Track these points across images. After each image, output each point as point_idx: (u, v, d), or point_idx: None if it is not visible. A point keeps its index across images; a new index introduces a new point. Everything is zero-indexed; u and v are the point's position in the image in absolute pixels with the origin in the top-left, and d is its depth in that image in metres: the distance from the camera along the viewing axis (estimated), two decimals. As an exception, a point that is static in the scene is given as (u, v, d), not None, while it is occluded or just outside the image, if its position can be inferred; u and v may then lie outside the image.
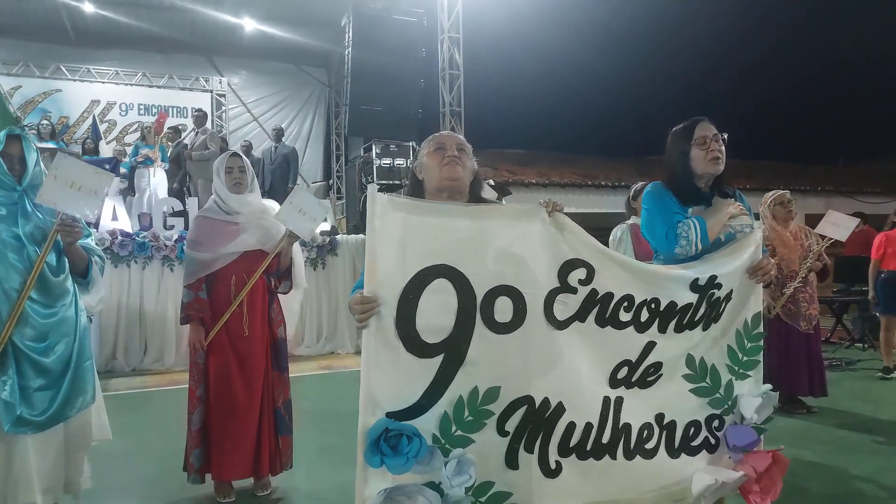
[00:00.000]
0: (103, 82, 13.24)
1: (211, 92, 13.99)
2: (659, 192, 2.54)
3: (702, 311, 2.20)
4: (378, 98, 9.08)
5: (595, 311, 2.05)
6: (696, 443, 2.24)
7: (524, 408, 1.94)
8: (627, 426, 2.12)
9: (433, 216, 1.86)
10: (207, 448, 3.07)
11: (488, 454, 1.90)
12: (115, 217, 7.82)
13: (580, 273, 2.02)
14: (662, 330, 2.15)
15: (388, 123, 9.18)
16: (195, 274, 3.10)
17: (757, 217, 4.68)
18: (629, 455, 2.11)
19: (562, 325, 2.00)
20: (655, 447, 2.17)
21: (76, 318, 2.65)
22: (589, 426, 2.04)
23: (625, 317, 2.09)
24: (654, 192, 2.55)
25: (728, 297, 2.26)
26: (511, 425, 1.93)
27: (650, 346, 2.14)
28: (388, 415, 1.76)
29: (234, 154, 3.24)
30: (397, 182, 8.99)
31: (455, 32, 9.85)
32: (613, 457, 2.08)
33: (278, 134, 10.31)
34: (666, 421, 2.19)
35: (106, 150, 11.24)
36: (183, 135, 10.05)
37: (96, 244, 7.46)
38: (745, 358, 2.31)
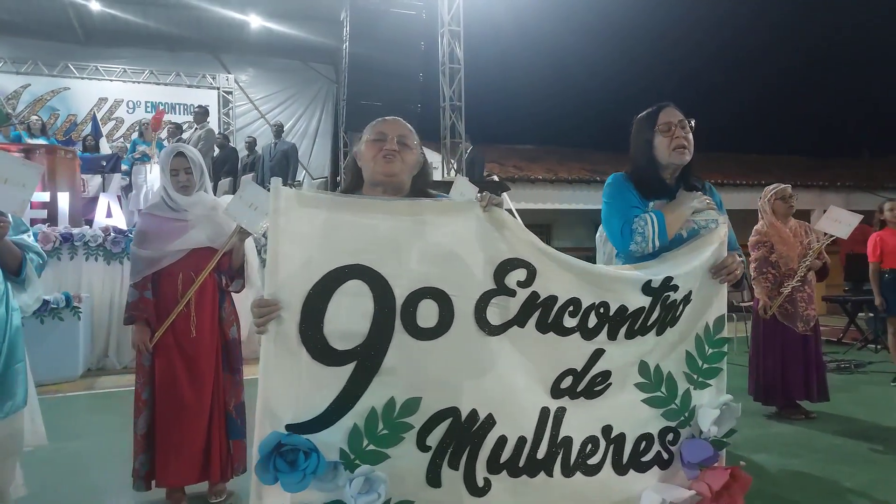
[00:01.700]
0: (111, 80, 13.31)
1: (218, 89, 14.00)
2: (619, 184, 2.35)
3: (655, 315, 2.01)
4: (377, 93, 8.95)
5: (536, 315, 1.88)
6: (646, 458, 2.05)
7: (448, 420, 1.78)
8: (568, 440, 1.94)
9: (347, 212, 1.70)
10: (153, 454, 2.95)
11: (406, 471, 1.74)
12: (109, 214, 7.80)
13: (519, 274, 1.85)
14: (612, 336, 1.97)
15: (387, 118, 9.01)
16: (140, 272, 2.98)
17: (758, 214, 4.54)
18: (568, 472, 1.94)
19: (496, 331, 1.83)
20: (600, 463, 1.99)
21: (6, 318, 2.53)
22: (522, 440, 1.87)
23: (570, 322, 1.92)
24: (614, 183, 2.36)
25: (686, 298, 2.07)
26: (433, 440, 1.77)
27: (598, 353, 1.96)
28: (289, 427, 1.61)
29: (179, 154, 3.02)
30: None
31: (455, 26, 9.67)
32: (550, 474, 1.91)
33: (278, 130, 10.22)
34: (614, 434, 2.01)
35: (107, 147, 11.24)
36: (184, 131, 9.97)
37: (90, 241, 7.38)
38: (705, 365, 2.12)
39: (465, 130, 9.78)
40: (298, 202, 1.64)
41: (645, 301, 1.99)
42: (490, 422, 1.82)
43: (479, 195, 1.84)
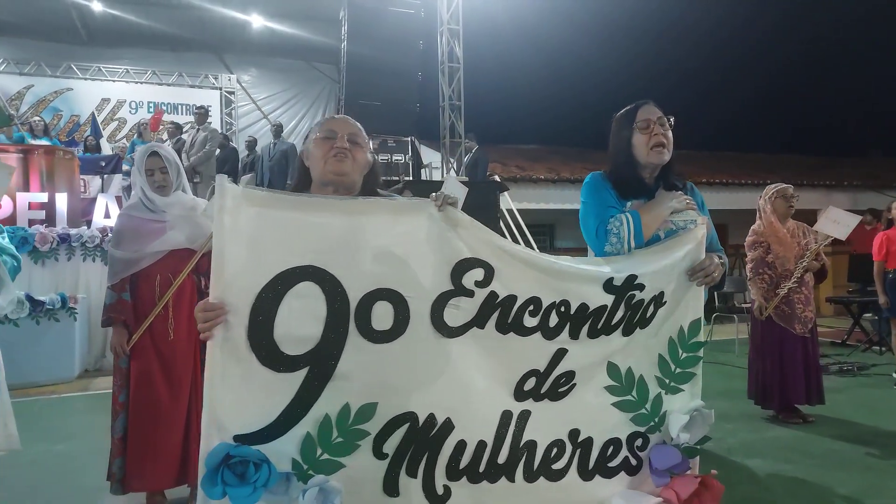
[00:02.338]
0: (113, 81, 13.35)
1: (220, 89, 14.02)
2: (596, 183, 2.29)
3: (620, 314, 1.95)
4: (375, 92, 8.89)
5: (495, 316, 1.82)
6: (613, 463, 1.99)
7: (405, 426, 1.72)
8: (531, 444, 1.88)
9: (298, 211, 1.64)
10: (130, 456, 2.90)
11: (363, 480, 1.69)
12: (107, 214, 7.78)
13: (477, 274, 1.79)
14: (574, 335, 1.91)
15: (385, 118, 8.98)
16: (118, 274, 2.94)
17: (762, 212, 4.42)
18: (531, 477, 1.88)
19: (454, 333, 1.77)
20: (565, 468, 1.93)
21: None
22: (482, 445, 1.82)
23: (530, 322, 1.86)
24: (591, 183, 2.30)
25: (658, 299, 2.00)
26: (390, 447, 1.71)
27: (561, 353, 1.90)
28: (237, 438, 1.55)
29: (153, 153, 2.96)
30: (395, 178, 8.78)
31: (455, 24, 9.61)
32: (511, 479, 1.86)
33: (277, 130, 10.19)
34: (581, 438, 1.95)
35: (108, 148, 11.26)
36: (185, 131, 9.96)
37: (87, 241, 7.37)
38: (678, 370, 2.05)
39: (464, 130, 9.72)
40: (246, 200, 1.59)
41: (607, 299, 1.92)
42: (448, 426, 1.77)
43: (434, 194, 1.78)
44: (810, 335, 4.46)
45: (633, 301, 1.96)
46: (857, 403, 5.04)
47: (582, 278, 1.92)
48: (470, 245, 1.79)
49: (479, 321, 1.80)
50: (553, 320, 1.88)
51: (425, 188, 4.38)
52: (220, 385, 1.55)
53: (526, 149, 15.20)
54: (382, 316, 1.68)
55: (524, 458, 1.88)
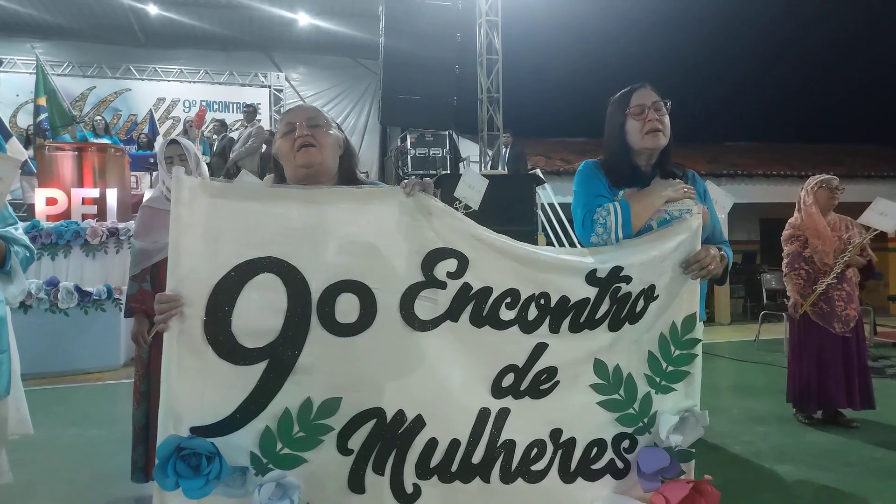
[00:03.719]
0: (168, 81, 13.82)
1: (269, 87, 14.31)
2: (587, 171, 2.19)
3: (604, 308, 1.85)
4: (412, 86, 8.87)
5: (469, 308, 1.75)
6: (598, 466, 1.89)
7: (372, 422, 1.68)
8: (509, 443, 1.81)
9: (257, 201, 1.62)
10: (151, 445, 2.97)
11: (326, 476, 1.66)
12: (151, 210, 8.03)
13: (449, 264, 1.73)
14: (554, 329, 1.83)
15: (422, 112, 8.95)
16: (139, 264, 3.01)
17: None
18: (508, 478, 1.81)
19: (426, 326, 1.72)
20: (545, 469, 1.85)
21: None
22: (455, 443, 1.76)
23: (507, 315, 1.78)
24: (584, 171, 2.20)
25: (648, 293, 1.89)
26: (356, 442, 1.67)
27: (540, 348, 1.82)
28: (194, 430, 1.54)
29: (172, 142, 3.08)
30: (433, 172, 8.75)
31: (493, 16, 9.49)
32: (486, 479, 1.79)
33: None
34: (564, 438, 1.86)
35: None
36: (229, 127, 10.20)
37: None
38: (669, 368, 1.93)
39: (503, 123, 9.61)
40: (203, 191, 1.57)
41: (590, 292, 1.83)
42: (419, 423, 1.72)
43: (404, 181, 1.73)
44: (853, 335, 4.18)
45: (620, 294, 1.86)
46: (913, 408, 4.71)
47: (563, 269, 1.84)
48: (442, 234, 1.73)
49: (452, 314, 1.74)
50: (532, 313, 1.81)
51: (457, 182, 4.33)
52: (177, 377, 1.55)
53: (571, 141, 14.91)
54: (347, 308, 1.65)
55: (501, 458, 1.81)
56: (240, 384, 1.58)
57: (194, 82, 13.93)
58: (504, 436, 1.81)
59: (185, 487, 1.49)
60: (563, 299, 1.82)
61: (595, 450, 1.89)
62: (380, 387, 1.69)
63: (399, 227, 1.70)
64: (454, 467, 1.76)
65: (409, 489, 1.72)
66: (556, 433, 1.86)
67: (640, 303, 1.90)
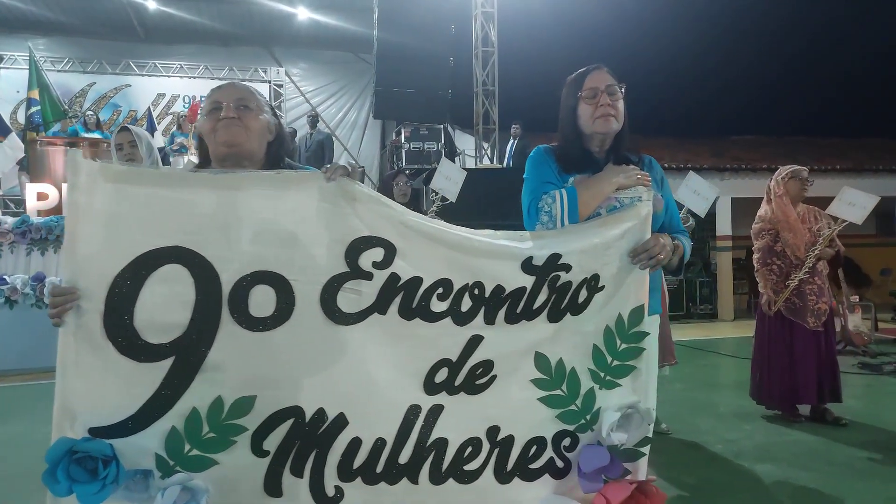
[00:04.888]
0: (168, 76, 13.80)
1: (269, 82, 14.24)
2: (537, 157, 2.09)
3: (543, 297, 1.76)
4: (406, 79, 8.76)
5: (398, 300, 1.66)
6: (536, 465, 1.80)
7: (290, 421, 1.59)
8: (441, 442, 1.72)
9: (163, 187, 1.53)
10: None
11: (239, 478, 1.57)
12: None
13: (375, 254, 1.64)
14: (489, 320, 1.73)
15: (417, 105, 8.85)
16: None
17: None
18: (437, 479, 1.72)
19: (351, 320, 1.63)
20: (479, 469, 1.75)
21: None
22: (380, 443, 1.66)
23: (439, 306, 1.69)
24: (533, 156, 2.11)
25: (591, 283, 1.79)
26: (272, 443, 1.59)
27: (475, 340, 1.72)
28: (93, 431, 1.46)
29: (123, 129, 3.08)
30: (427, 167, 8.64)
31: (489, 7, 9.36)
32: (414, 481, 1.70)
33: (313, 120, 10.24)
34: (501, 436, 1.77)
35: (161, 140, 11.62)
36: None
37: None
38: (615, 362, 1.83)
39: (506, 116, 9.48)
40: (103, 176, 1.48)
41: (526, 281, 1.74)
42: (341, 422, 1.63)
43: (327, 165, 1.64)
44: (824, 329, 4.07)
45: (559, 284, 1.77)
46: (905, 406, 4.57)
47: (497, 256, 1.74)
48: (368, 222, 1.64)
49: (379, 306, 1.65)
50: (465, 304, 1.71)
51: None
52: (73, 375, 1.46)
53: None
54: (262, 301, 1.56)
55: (431, 457, 1.71)
56: (143, 382, 1.50)
57: (194, 77, 13.89)
58: (435, 434, 1.72)
59: (79, 493, 1.41)
60: (498, 289, 1.72)
61: (534, 448, 1.79)
62: (298, 384, 1.60)
63: (319, 214, 1.60)
64: (379, 468, 1.67)
65: (331, 492, 1.64)
66: (492, 431, 1.76)
67: (583, 293, 1.80)
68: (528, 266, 1.74)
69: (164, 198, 1.52)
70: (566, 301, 1.79)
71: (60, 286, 1.45)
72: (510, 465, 1.78)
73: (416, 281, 1.67)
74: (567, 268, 1.76)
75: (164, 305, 1.50)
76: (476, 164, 9.34)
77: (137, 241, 1.49)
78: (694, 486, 3.13)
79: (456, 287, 1.70)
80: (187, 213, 1.53)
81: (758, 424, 4.12)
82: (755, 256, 4.25)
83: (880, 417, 4.21)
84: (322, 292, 1.60)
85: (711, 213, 12.14)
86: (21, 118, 12.55)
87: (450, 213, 7.14)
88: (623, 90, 2.03)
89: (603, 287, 1.82)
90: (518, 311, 1.75)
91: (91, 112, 10.62)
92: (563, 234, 1.82)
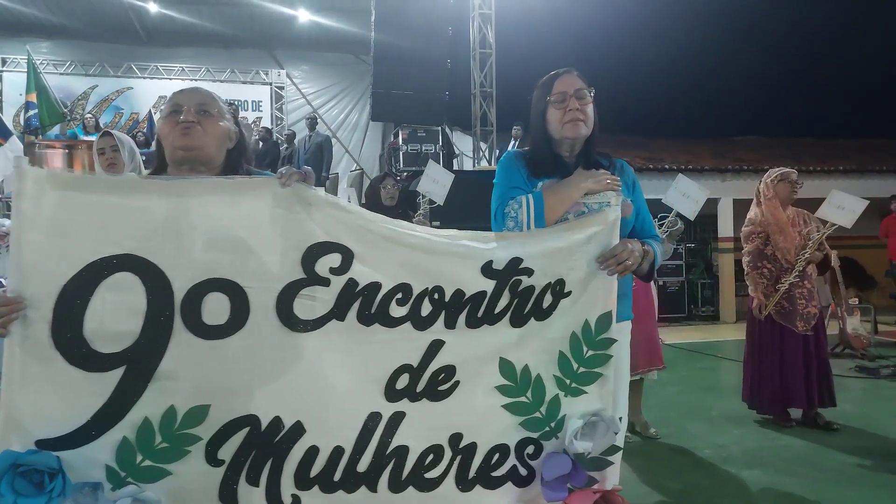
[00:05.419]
0: (170, 79, 13.79)
1: (270, 85, 14.26)
2: (507, 161, 2.08)
3: (504, 302, 1.74)
4: (403, 81, 8.73)
5: (356, 306, 1.64)
6: (498, 473, 1.77)
7: (245, 430, 1.57)
8: (402, 450, 1.70)
9: (113, 194, 1.51)
10: None
11: (194, 489, 1.55)
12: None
13: (332, 259, 1.62)
14: (450, 325, 1.71)
15: (414, 107, 8.82)
16: None
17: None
18: (397, 486, 1.70)
19: (308, 327, 1.61)
20: (441, 476, 1.73)
21: None
22: (338, 451, 1.65)
23: (398, 311, 1.67)
24: (503, 161, 2.10)
25: (557, 288, 1.77)
26: (227, 452, 1.56)
27: (436, 345, 1.70)
28: (40, 443, 1.43)
29: (105, 134, 3.08)
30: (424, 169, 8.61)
31: (487, 9, 9.34)
32: (373, 489, 1.68)
33: (312, 123, 10.25)
34: (463, 444, 1.75)
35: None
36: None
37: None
38: (581, 369, 1.80)
39: (505, 117, 9.46)
40: (50, 183, 1.46)
41: (486, 285, 1.71)
42: (298, 431, 1.61)
43: (281, 169, 1.62)
44: (814, 332, 4.02)
45: (521, 288, 1.74)
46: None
47: (458, 257, 1.72)
48: (324, 227, 1.62)
49: (337, 313, 1.63)
50: (426, 309, 1.69)
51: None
52: (20, 387, 1.43)
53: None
54: (216, 309, 1.54)
55: (391, 465, 1.70)
56: (93, 392, 1.47)
57: (196, 80, 13.86)
58: (396, 441, 1.70)
59: (25, 507, 1.39)
60: (458, 293, 1.70)
61: (497, 456, 1.77)
62: (254, 392, 1.58)
63: (274, 220, 1.59)
64: (337, 476, 1.65)
65: (288, 500, 1.62)
66: (455, 438, 1.74)
67: (548, 298, 1.78)
68: (488, 270, 1.72)
69: (114, 205, 1.50)
70: (530, 306, 1.76)
71: (4, 295, 1.43)
72: (472, 473, 1.76)
73: (375, 286, 1.65)
74: (529, 272, 1.74)
75: (115, 314, 1.48)
76: (474, 166, 9.32)
77: (87, 248, 1.47)
78: (679, 491, 3.09)
79: (415, 292, 1.68)
80: (138, 221, 1.51)
81: (748, 429, 4.08)
82: (745, 260, 4.22)
83: (873, 422, 4.16)
84: (278, 299, 1.58)
85: (713, 215, 12.08)
86: (22, 121, 12.64)
87: (446, 215, 7.12)
88: (593, 94, 2.00)
89: (569, 292, 1.80)
90: (479, 315, 1.73)
91: (90, 115, 10.65)
92: (526, 237, 1.80)
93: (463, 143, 10.74)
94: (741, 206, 12.79)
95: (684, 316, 11.22)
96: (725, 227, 11.69)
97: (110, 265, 1.48)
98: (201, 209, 1.55)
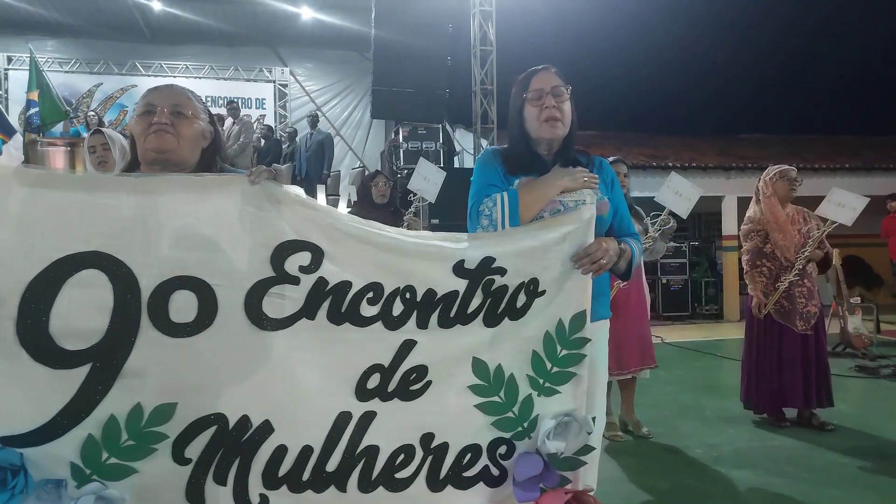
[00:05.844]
0: (174, 77, 13.77)
1: (274, 82, 14.28)
2: (485, 159, 2.07)
3: (477, 301, 1.73)
4: (404, 78, 8.71)
5: (326, 305, 1.64)
6: (470, 473, 1.77)
7: (213, 429, 1.57)
8: (372, 449, 1.69)
9: (81, 191, 1.51)
10: None
11: (160, 487, 1.55)
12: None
13: (302, 258, 1.61)
14: (422, 325, 1.71)
15: (414, 105, 8.80)
16: None
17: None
18: (367, 486, 1.70)
19: (278, 325, 1.61)
20: (411, 476, 1.73)
21: None
22: (307, 450, 1.64)
23: (369, 311, 1.67)
24: (481, 158, 2.10)
25: (530, 287, 1.76)
26: (194, 451, 1.56)
27: (408, 345, 1.70)
28: (4, 440, 1.44)
29: (96, 132, 3.09)
30: (423, 167, 8.60)
31: (487, 6, 9.31)
32: (342, 489, 1.68)
33: (313, 120, 10.25)
34: (435, 444, 1.74)
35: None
36: (225, 122, 10.19)
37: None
38: (554, 369, 1.79)
39: (496, 116, 9.42)
40: (18, 180, 1.47)
41: (458, 284, 1.71)
42: (266, 430, 1.61)
43: (251, 168, 1.62)
44: (813, 332, 3.98)
45: (494, 287, 1.74)
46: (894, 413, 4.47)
47: (429, 258, 1.71)
48: (294, 225, 1.61)
49: (307, 311, 1.63)
50: (397, 308, 1.69)
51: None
52: None
53: (582, 134, 14.64)
54: (183, 307, 1.53)
55: (361, 465, 1.69)
56: (59, 390, 1.47)
57: (200, 78, 13.92)
58: (366, 441, 1.69)
59: (-12, 502, 1.39)
60: (430, 293, 1.70)
61: (468, 456, 1.76)
62: (221, 391, 1.58)
63: (243, 218, 1.58)
64: (305, 476, 1.65)
65: (255, 499, 1.61)
66: (427, 438, 1.74)
67: (522, 297, 1.77)
68: (459, 269, 1.71)
69: (82, 202, 1.50)
70: (503, 305, 1.76)
71: None
72: (443, 473, 1.75)
73: (345, 285, 1.65)
74: (502, 271, 1.73)
75: (82, 311, 1.48)
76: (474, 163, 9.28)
77: (54, 245, 1.47)
78: (666, 491, 3.08)
79: (387, 291, 1.68)
80: (106, 218, 1.51)
81: (742, 429, 4.06)
82: (744, 258, 4.19)
83: (868, 422, 4.12)
84: (246, 297, 1.58)
85: (717, 213, 12.02)
86: (24, 119, 12.71)
87: (445, 212, 7.10)
88: (569, 91, 1.99)
89: (543, 292, 1.78)
90: (451, 315, 1.72)
91: (93, 113, 10.69)
92: (499, 236, 1.79)
93: (465, 140, 10.72)
94: (745, 204, 12.64)
95: (688, 314, 11.17)
96: (729, 225, 11.61)
97: (77, 262, 1.48)
98: (169, 206, 1.54)
